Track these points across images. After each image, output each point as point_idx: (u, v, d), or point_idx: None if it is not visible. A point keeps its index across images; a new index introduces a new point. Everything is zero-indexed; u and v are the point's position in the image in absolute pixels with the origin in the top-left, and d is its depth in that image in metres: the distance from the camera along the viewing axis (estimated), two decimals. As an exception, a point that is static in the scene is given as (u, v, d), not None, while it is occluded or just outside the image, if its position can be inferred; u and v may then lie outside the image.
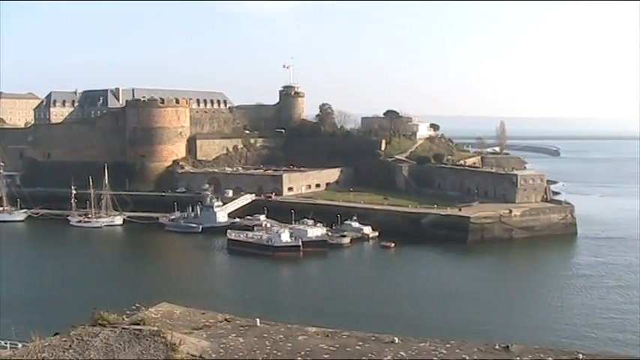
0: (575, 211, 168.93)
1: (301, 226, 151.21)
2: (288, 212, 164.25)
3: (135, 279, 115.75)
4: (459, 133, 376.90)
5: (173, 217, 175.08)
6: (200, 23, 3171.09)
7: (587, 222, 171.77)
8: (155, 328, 18.29)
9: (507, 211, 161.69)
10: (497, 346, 31.32)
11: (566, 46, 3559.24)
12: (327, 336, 32.17)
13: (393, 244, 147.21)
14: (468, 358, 29.69)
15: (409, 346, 31.10)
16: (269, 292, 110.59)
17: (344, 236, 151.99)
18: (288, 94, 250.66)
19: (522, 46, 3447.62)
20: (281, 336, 30.43)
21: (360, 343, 31.27)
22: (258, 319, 31.99)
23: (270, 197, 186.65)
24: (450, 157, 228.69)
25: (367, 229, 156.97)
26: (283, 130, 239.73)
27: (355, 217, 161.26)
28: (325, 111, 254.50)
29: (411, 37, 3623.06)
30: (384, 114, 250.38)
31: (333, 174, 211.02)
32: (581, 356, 30.30)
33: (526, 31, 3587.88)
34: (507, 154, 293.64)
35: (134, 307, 22.66)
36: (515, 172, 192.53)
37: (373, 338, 32.14)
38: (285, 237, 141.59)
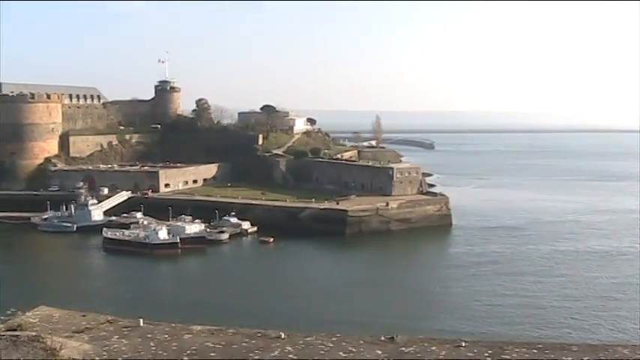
0: (450, 202, 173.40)
1: (179, 223, 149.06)
2: (165, 209, 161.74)
3: (8, 282, 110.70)
4: (335, 127, 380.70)
5: (46, 216, 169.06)
6: (77, 19, 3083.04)
7: (461, 213, 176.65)
8: (34, 334, 17.53)
9: (384, 204, 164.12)
10: (382, 338, 31.89)
11: (443, 41, 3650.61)
12: (213, 334, 31.89)
13: (272, 239, 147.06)
14: (354, 350, 30.05)
15: (296, 341, 31.20)
16: (150, 291, 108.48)
17: (223, 232, 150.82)
18: (164, 89, 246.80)
19: (398, 43, 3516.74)
20: (166, 336, 29.93)
21: (247, 340, 31.15)
22: (141, 320, 31.31)
23: (147, 194, 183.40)
24: (327, 151, 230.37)
25: (246, 225, 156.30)
26: (159, 126, 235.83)
27: (233, 213, 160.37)
28: (201, 106, 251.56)
29: (289, 34, 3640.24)
30: (261, 109, 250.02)
31: (210, 170, 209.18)
32: (464, 344, 31.11)
33: (400, 28, 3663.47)
34: (383, 147, 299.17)
35: (9, 312, 21.70)
36: (391, 165, 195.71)
37: (259, 334, 32.07)
38: (163, 234, 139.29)
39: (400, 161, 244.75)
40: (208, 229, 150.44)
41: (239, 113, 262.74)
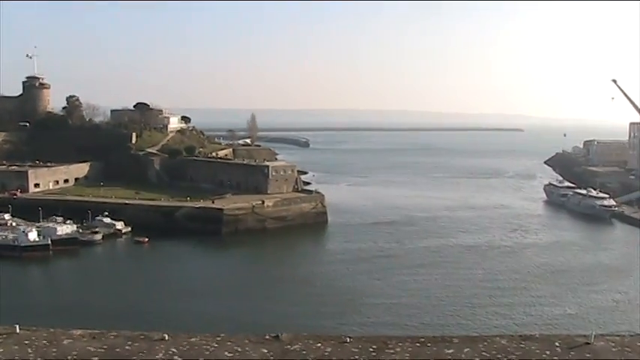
0: (326, 200, 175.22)
1: (50, 224, 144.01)
2: (35, 210, 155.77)
3: None
4: (210, 125, 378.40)
5: None
6: None
7: (337, 210, 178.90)
8: None
9: (260, 202, 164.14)
10: (267, 336, 31.89)
11: (313, 41, 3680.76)
12: (94, 338, 31.05)
13: (147, 239, 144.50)
14: (239, 349, 29.91)
15: (180, 342, 30.77)
16: (23, 296, 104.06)
17: (96, 233, 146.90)
18: (33, 86, 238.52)
19: (265, 41, 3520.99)
20: (44, 341, 28.99)
21: (130, 343, 30.50)
22: (17, 326, 30.20)
23: (15, 194, 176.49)
24: (201, 149, 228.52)
25: (119, 225, 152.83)
26: (28, 124, 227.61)
27: (107, 213, 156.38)
28: (72, 103, 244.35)
29: (156, 34, 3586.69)
30: (135, 107, 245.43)
31: (82, 169, 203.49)
32: (348, 340, 31.47)
33: (266, 28, 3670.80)
34: (259, 145, 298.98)
35: None
36: (266, 163, 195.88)
37: (142, 337, 31.46)
38: (33, 236, 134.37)
39: (275, 159, 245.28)
40: (81, 230, 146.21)
41: (112, 111, 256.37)
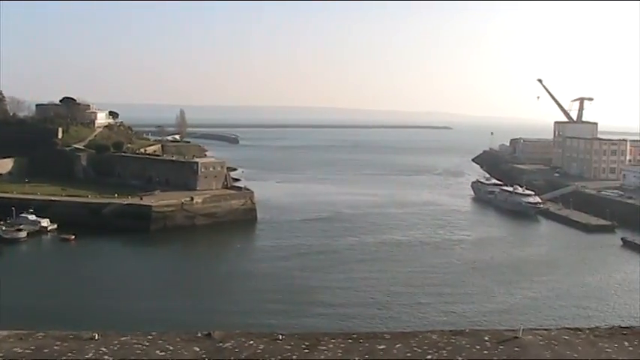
0: (255, 196, 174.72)
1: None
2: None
3: None
4: (139, 121, 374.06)
5: None
6: None
7: (266, 207, 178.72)
8: None
9: (189, 199, 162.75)
10: (199, 334, 31.48)
11: (244, 36, 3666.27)
12: (21, 339, 30.22)
13: (74, 237, 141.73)
14: (171, 348, 29.45)
15: (110, 342, 30.14)
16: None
17: (20, 230, 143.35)
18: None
19: (199, 35, 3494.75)
20: (-31, 343, 28.22)
21: (59, 343, 29.76)
22: (-62, 328, 29.21)
23: None
24: (130, 145, 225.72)
25: (45, 222, 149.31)
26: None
27: (32, 210, 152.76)
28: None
29: (87, 22, 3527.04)
30: (61, 101, 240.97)
31: (5, 164, 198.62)
32: (280, 337, 31.30)
33: (196, 26, 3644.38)
34: (188, 142, 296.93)
35: None
36: (196, 159, 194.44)
37: (72, 336, 30.72)
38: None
39: (205, 156, 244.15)
40: (4, 228, 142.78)
41: (37, 105, 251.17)
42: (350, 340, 30.72)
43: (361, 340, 30.71)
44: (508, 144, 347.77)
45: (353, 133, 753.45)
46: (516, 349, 29.54)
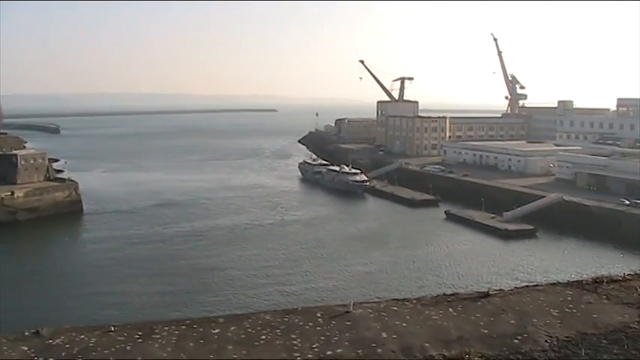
0: (80, 187, 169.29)
1: None
2: None
3: None
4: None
5: None
6: None
7: (92, 198, 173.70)
8: None
9: (9, 193, 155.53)
10: (26, 333, 30.36)
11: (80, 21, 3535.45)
12: None
13: None
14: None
15: None
16: None
17: None
18: None
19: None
20: None
21: None
22: None
23: None
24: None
25: None
26: None
27: None
28: None
29: None
30: None
31: None
32: (113, 329, 30.67)
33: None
34: (5, 133, 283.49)
35: None
36: (14, 152, 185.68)
37: None
38: None
39: (24, 147, 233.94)
40: None
41: None
42: (184, 327, 30.59)
43: (195, 326, 30.65)
44: (333, 124, 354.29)
45: (181, 119, 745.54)
46: (348, 322, 30.39)
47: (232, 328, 30.09)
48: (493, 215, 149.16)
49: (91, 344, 28.16)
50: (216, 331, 29.92)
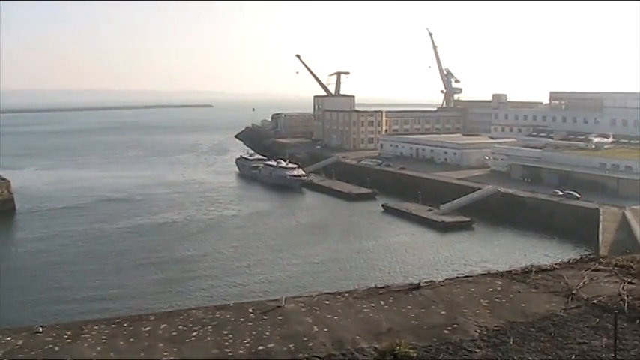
0: (12, 186, 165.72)
1: None
2: None
3: None
4: None
5: None
6: None
7: (25, 196, 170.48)
8: None
9: None
10: None
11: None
12: None
13: None
14: None
15: None
16: None
17: None
18: None
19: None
20: None
21: None
22: None
23: None
24: None
25: None
26: None
27: None
28: None
29: None
30: None
31: None
32: (41, 329, 30.10)
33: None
34: None
35: None
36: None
37: None
38: None
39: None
40: None
41: None
42: (114, 325, 30.19)
43: (125, 324, 30.27)
44: (270, 119, 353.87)
45: (115, 115, 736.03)
46: (279, 317, 30.38)
47: (163, 325, 29.81)
48: (430, 208, 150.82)
49: (17, 346, 27.60)
50: (147, 328, 29.61)
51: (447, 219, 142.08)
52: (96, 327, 30.12)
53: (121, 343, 28.13)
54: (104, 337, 28.85)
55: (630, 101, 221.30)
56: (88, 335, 29.05)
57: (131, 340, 28.41)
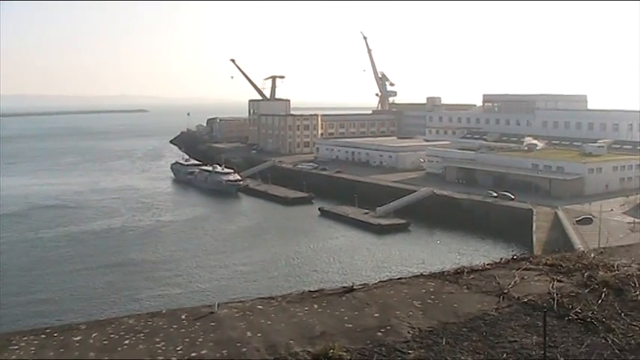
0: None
1: None
2: None
3: None
4: None
5: None
6: None
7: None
8: None
9: None
10: None
11: None
12: None
13: None
14: None
15: None
16: None
17: None
18: None
19: None
20: None
21: None
22: None
23: None
24: None
25: None
26: None
27: None
28: None
29: None
30: None
31: None
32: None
33: None
34: None
35: None
36: None
37: None
38: None
39: None
40: None
41: None
42: (43, 336, 29.31)
43: (55, 334, 29.43)
44: (205, 124, 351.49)
45: (44, 121, 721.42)
46: (212, 323, 30.04)
47: (94, 334, 29.08)
48: (366, 211, 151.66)
49: (-59, 361, 26.85)
50: (78, 338, 28.84)
51: (384, 221, 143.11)
52: (24, 338, 29.16)
53: (51, 354, 27.19)
54: (33, 348, 27.91)
55: (561, 103, 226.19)
56: (15, 347, 28.10)
57: (61, 350, 27.57)
